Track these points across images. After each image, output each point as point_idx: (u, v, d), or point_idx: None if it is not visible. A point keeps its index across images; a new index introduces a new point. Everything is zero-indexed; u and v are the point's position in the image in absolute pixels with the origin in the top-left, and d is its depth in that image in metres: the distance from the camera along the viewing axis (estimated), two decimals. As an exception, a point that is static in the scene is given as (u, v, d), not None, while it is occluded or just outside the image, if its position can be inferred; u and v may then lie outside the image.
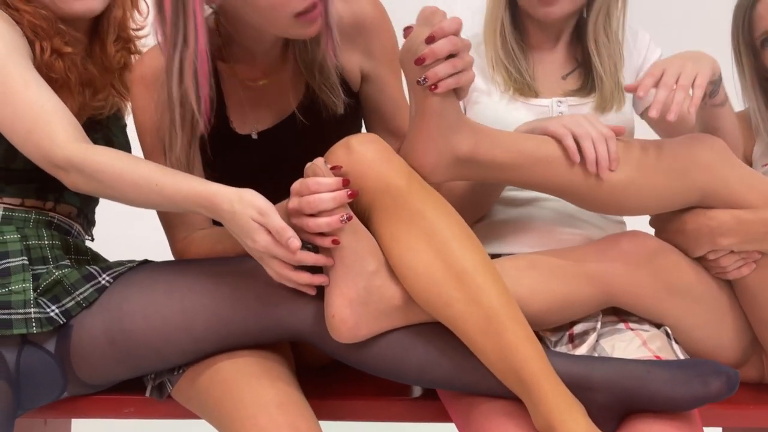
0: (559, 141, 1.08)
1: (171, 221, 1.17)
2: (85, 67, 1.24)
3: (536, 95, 1.29)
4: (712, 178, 1.09)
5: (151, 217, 1.18)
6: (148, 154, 1.16)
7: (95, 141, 1.21)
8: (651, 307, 1.13)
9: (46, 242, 1.15)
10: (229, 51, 1.17)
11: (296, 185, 0.98)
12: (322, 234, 0.97)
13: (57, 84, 1.18)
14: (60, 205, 1.24)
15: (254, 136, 1.20)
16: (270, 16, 1.05)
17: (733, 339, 1.15)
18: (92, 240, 1.34)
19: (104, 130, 1.30)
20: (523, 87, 1.28)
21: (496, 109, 1.30)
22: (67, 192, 1.18)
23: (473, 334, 0.97)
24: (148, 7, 1.32)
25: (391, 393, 1.16)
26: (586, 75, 1.30)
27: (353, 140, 1.01)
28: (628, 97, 1.30)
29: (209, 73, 1.05)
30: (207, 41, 1.03)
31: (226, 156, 1.17)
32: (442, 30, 0.96)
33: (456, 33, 0.97)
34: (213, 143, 1.14)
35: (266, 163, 1.19)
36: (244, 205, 0.96)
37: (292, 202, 0.98)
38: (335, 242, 0.97)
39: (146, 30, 1.33)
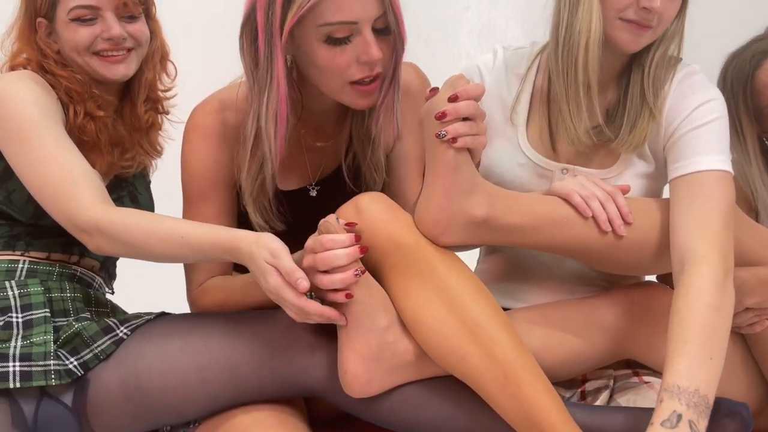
0: (567, 200, 1.08)
1: (189, 265, 1.19)
2: (115, 128, 1.28)
3: (558, 158, 1.22)
4: None
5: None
6: (192, 200, 1.20)
7: (121, 198, 1.25)
8: (662, 357, 1.13)
9: (68, 295, 1.16)
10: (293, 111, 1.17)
11: (310, 242, 0.99)
12: (335, 290, 0.98)
13: (88, 145, 1.22)
14: (84, 259, 1.26)
15: (312, 193, 1.24)
16: (327, 78, 1.09)
17: (748, 390, 1.15)
18: (112, 293, 1.36)
19: (130, 187, 1.32)
20: (545, 147, 1.22)
21: (500, 157, 1.25)
22: None
23: (490, 388, 0.98)
24: (176, 69, 1.37)
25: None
26: (620, 126, 1.17)
27: (361, 200, 1.03)
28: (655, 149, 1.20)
29: (287, 119, 1.10)
30: (287, 88, 1.08)
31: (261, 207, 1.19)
32: (467, 92, 1.00)
33: (477, 99, 1.00)
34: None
35: (294, 220, 1.20)
36: (260, 246, 0.98)
37: (307, 260, 0.99)
38: (349, 296, 0.98)
39: (174, 91, 1.37)
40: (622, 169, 1.20)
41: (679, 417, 0.92)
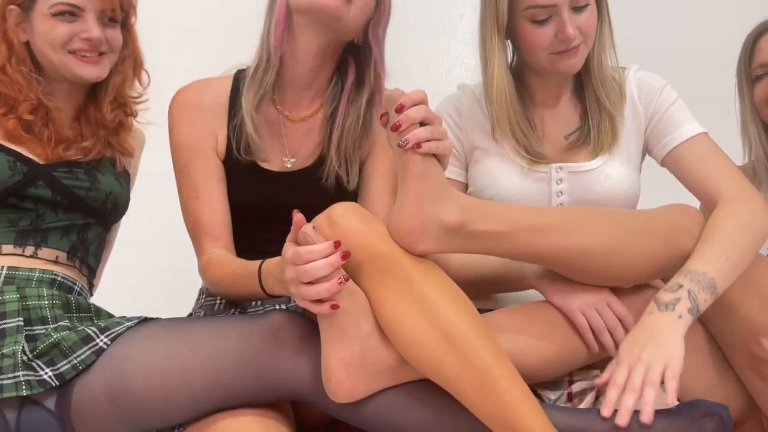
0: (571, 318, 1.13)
1: (196, 234, 1.29)
2: (69, 127, 1.31)
3: (545, 161, 1.30)
4: (695, 242, 1.10)
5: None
6: (181, 171, 1.31)
7: (76, 176, 1.28)
8: None
9: (46, 302, 1.16)
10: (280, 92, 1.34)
11: (289, 255, 0.98)
12: (320, 300, 0.98)
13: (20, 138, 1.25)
14: (42, 250, 1.25)
15: (289, 165, 1.34)
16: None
17: (736, 394, 1.15)
18: (93, 286, 1.37)
19: (90, 167, 1.32)
20: (536, 155, 1.30)
21: (492, 170, 1.31)
22: (51, 236, 1.24)
23: (468, 397, 0.97)
24: (149, 77, 1.41)
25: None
26: (588, 131, 1.32)
27: (334, 212, 1.02)
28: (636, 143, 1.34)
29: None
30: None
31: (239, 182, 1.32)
32: (410, 98, 1.01)
33: (422, 101, 1.01)
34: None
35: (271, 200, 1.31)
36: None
37: (289, 272, 0.98)
38: (334, 307, 0.97)
39: (145, 97, 1.41)
40: (607, 159, 1.30)
41: (680, 286, 1.05)
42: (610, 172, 1.30)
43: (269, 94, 1.32)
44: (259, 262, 1.13)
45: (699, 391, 1.14)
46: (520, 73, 1.35)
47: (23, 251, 1.23)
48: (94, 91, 1.35)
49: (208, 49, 2.16)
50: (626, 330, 1.11)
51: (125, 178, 1.41)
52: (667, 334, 1.02)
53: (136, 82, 1.39)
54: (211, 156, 1.31)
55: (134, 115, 1.40)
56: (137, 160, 1.50)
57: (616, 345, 1.10)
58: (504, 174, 1.30)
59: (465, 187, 1.38)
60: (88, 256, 1.33)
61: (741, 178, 1.21)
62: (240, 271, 1.17)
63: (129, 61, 1.35)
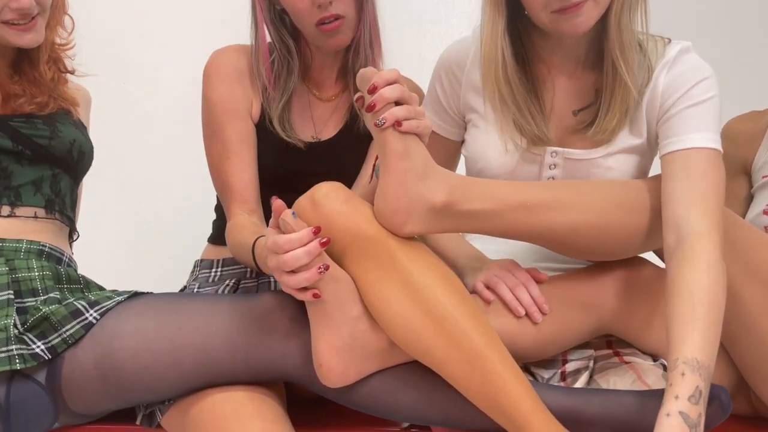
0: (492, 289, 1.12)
1: (225, 196, 1.32)
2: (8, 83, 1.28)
3: (544, 142, 1.21)
4: None
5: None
6: (213, 130, 1.33)
7: (35, 125, 1.26)
8: (645, 336, 1.13)
9: (36, 274, 1.15)
10: (308, 75, 1.39)
11: (270, 244, 0.96)
12: (304, 288, 0.96)
13: None
14: (19, 208, 1.23)
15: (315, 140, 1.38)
16: (300, 25, 1.27)
17: (725, 372, 1.15)
18: (73, 238, 1.36)
19: (50, 120, 1.30)
20: (533, 135, 1.20)
21: (484, 143, 1.25)
22: (25, 193, 1.23)
23: (458, 379, 0.96)
24: (72, 22, 1.37)
25: (383, 424, 1.15)
26: (598, 109, 1.19)
27: (317, 193, 1.00)
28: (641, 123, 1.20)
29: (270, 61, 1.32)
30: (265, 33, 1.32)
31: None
32: (381, 78, 0.98)
33: (395, 80, 0.98)
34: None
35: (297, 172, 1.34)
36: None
37: (271, 261, 0.96)
38: (316, 296, 0.96)
39: (72, 44, 1.37)
40: (611, 148, 1.20)
41: (700, 394, 0.91)
42: (611, 165, 1.20)
43: (298, 81, 1.36)
44: (255, 237, 1.13)
45: None
46: (531, 35, 1.23)
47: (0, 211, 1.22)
48: (27, 51, 1.31)
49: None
50: (533, 296, 1.10)
51: (83, 129, 1.39)
52: None
53: (60, 30, 1.34)
54: (245, 118, 1.33)
55: (71, 71, 1.37)
56: (87, 116, 1.47)
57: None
58: (494, 149, 1.23)
59: (457, 145, 1.33)
60: (66, 207, 1.31)
61: (722, 220, 1.06)
62: (244, 244, 1.17)
63: (59, 12, 1.32)
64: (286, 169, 1.35)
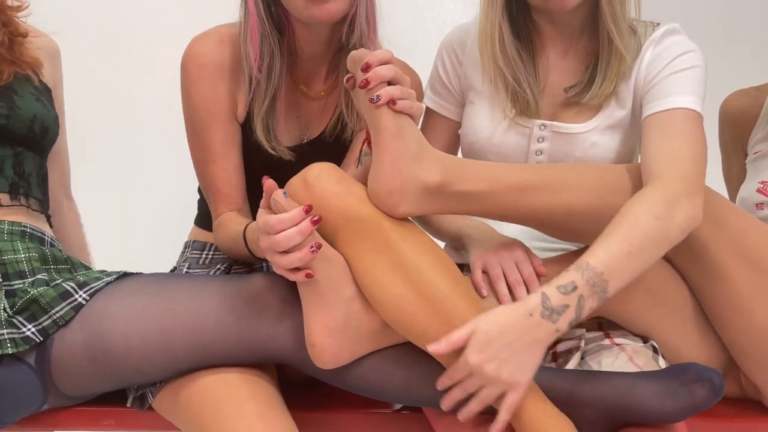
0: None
1: (210, 196, 1.27)
2: None
3: (534, 113, 1.22)
4: None
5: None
6: (197, 131, 1.26)
7: None
8: (636, 317, 1.13)
9: (23, 255, 1.13)
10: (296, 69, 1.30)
11: (261, 224, 0.95)
12: (297, 268, 0.95)
13: None
14: None
15: (304, 140, 1.32)
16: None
17: (715, 353, 1.15)
18: (50, 217, 1.32)
19: (1, 92, 1.22)
20: (526, 106, 1.22)
21: (476, 116, 1.27)
22: None
23: (452, 360, 0.96)
24: None
25: (376, 406, 1.15)
26: (590, 83, 1.21)
27: (309, 174, 0.99)
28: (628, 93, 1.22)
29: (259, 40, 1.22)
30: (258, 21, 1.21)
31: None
32: (375, 57, 0.98)
33: (389, 61, 0.98)
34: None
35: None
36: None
37: (263, 242, 0.95)
38: (308, 276, 0.95)
39: (26, 5, 1.30)
40: (599, 122, 1.22)
41: (575, 288, 0.93)
42: (597, 140, 1.22)
43: (285, 75, 1.27)
44: (245, 225, 1.12)
45: (683, 349, 1.14)
46: (527, 13, 1.25)
47: None
48: None
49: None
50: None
51: (47, 95, 1.32)
52: (532, 353, 0.92)
53: None
54: (230, 120, 1.26)
55: (22, 34, 1.28)
56: (56, 72, 1.40)
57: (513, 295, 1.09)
58: (485, 122, 1.25)
59: (458, 127, 1.34)
60: (32, 188, 1.25)
61: (692, 171, 1.04)
62: (234, 234, 1.16)
63: None
64: (274, 175, 1.29)
